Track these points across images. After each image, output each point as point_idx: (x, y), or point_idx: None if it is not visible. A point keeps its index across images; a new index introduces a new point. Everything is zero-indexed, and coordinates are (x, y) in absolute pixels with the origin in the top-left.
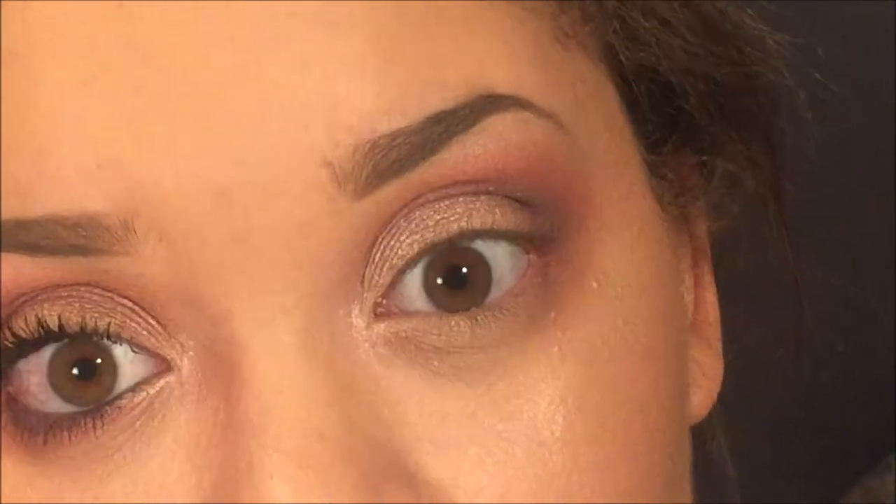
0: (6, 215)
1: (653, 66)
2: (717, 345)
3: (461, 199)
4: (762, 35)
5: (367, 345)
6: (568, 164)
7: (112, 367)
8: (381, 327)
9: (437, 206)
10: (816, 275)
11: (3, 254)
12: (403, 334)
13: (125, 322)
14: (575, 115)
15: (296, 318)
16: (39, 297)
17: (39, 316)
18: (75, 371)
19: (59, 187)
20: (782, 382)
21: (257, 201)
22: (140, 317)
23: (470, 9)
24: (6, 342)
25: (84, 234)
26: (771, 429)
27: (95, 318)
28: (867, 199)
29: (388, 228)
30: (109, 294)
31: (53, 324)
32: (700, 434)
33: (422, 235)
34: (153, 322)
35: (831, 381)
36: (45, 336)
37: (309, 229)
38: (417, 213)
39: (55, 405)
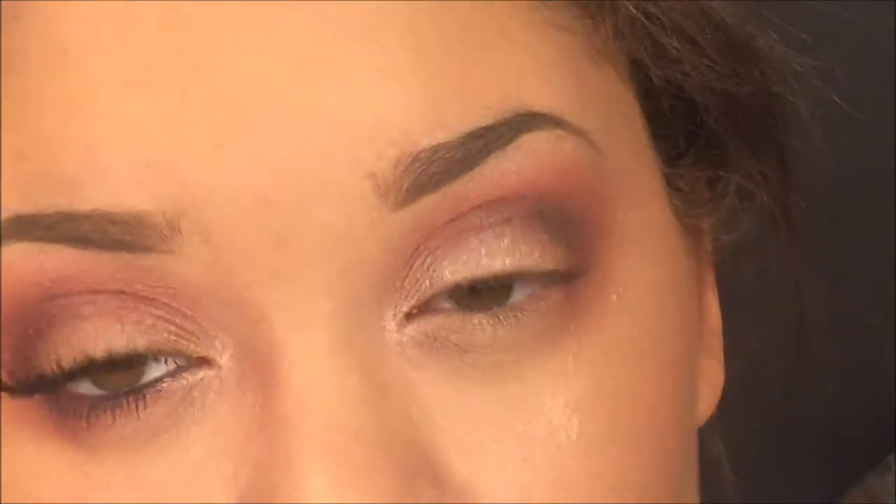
0: (54, 208)
1: (678, 83)
2: (720, 354)
3: (507, 231)
4: (785, 58)
5: (398, 347)
6: (596, 180)
7: (142, 358)
8: (410, 329)
9: (482, 236)
10: (817, 276)
11: (53, 245)
12: (431, 333)
13: (166, 338)
14: (604, 132)
15: (332, 322)
16: (82, 310)
17: (89, 352)
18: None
19: (109, 185)
20: (782, 383)
21: (299, 208)
22: (178, 325)
23: (507, 26)
24: (52, 370)
25: (132, 231)
26: (771, 429)
27: (141, 342)
28: (869, 198)
29: (428, 243)
30: (148, 307)
31: (100, 356)
32: (700, 436)
33: (464, 267)
34: (192, 327)
35: (831, 382)
36: (94, 368)
37: (349, 237)
38: (462, 240)
39: (86, 388)
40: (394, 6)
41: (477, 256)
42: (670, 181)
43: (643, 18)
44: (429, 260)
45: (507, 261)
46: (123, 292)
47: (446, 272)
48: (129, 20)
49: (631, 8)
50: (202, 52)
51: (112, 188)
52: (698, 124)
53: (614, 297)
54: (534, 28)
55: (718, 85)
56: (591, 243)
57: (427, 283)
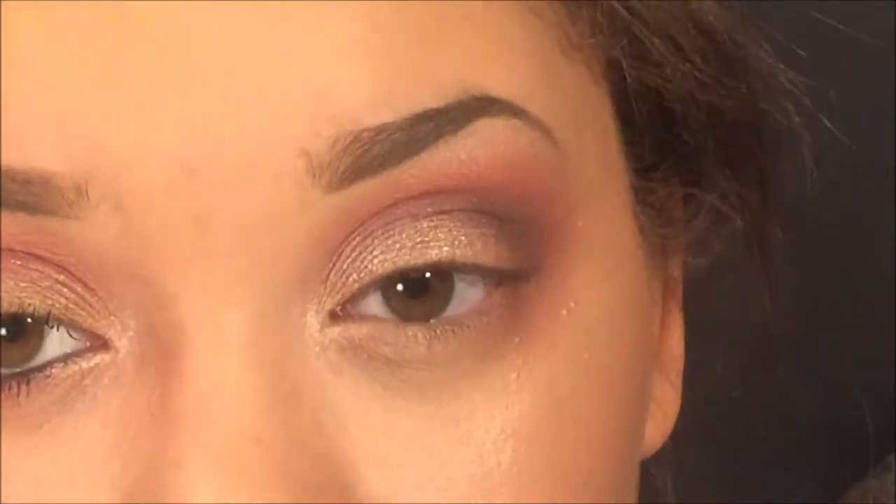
0: None
1: (656, 89)
2: (678, 381)
3: (445, 220)
4: (776, 72)
5: (318, 348)
6: (555, 182)
7: (40, 332)
8: (334, 331)
9: (418, 225)
10: (817, 276)
11: None
12: (357, 341)
13: (64, 304)
14: (569, 131)
15: (247, 312)
16: None
17: None
18: (2, 331)
19: (14, 140)
20: (782, 382)
21: (225, 184)
22: (79, 294)
23: (474, 9)
24: None
25: (34, 191)
26: (771, 429)
27: (34, 303)
28: (869, 200)
29: (359, 231)
30: (48, 268)
31: None
32: (702, 432)
33: (397, 255)
34: (93, 299)
35: (831, 381)
36: None
37: (276, 220)
38: (396, 227)
39: None
40: None
41: (410, 243)
42: (639, 195)
43: (624, 12)
44: (358, 250)
45: (445, 249)
46: (26, 253)
47: (375, 261)
48: None
49: (613, 2)
50: (133, 10)
51: (17, 144)
52: (675, 136)
53: (564, 312)
54: (503, 10)
55: (700, 95)
56: (542, 248)
57: (354, 275)
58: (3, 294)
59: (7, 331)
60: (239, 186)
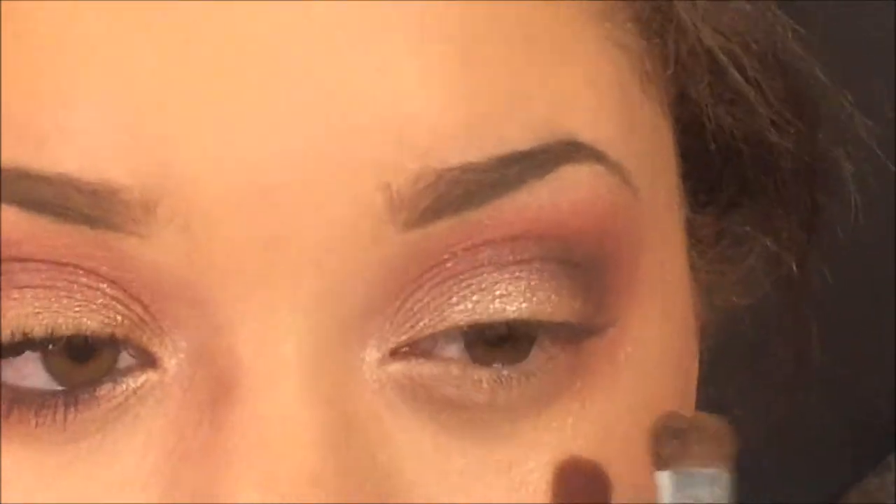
0: (14, 163)
1: (727, 127)
2: (692, 402)
3: (525, 273)
4: (855, 122)
5: (376, 385)
6: (630, 227)
7: (115, 346)
8: (395, 367)
9: (497, 276)
10: (818, 276)
11: (5, 204)
12: (419, 379)
13: (119, 321)
14: (644, 173)
15: (307, 345)
16: (19, 278)
17: (26, 330)
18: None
19: (81, 147)
20: (782, 382)
21: (299, 209)
22: (133, 311)
23: (563, 39)
24: None
25: (100, 204)
26: (770, 429)
27: (91, 325)
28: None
29: (436, 273)
30: (106, 283)
31: (42, 335)
32: None
33: (475, 306)
34: (146, 316)
35: (831, 381)
36: (32, 345)
37: (346, 251)
38: (476, 276)
39: (41, 380)
40: (447, 4)
41: (489, 296)
42: (691, 230)
43: (714, 49)
44: (432, 294)
45: (524, 306)
46: (78, 267)
47: (453, 309)
48: None
49: (701, 36)
50: (217, 17)
51: (84, 152)
52: (734, 173)
53: (623, 357)
54: (589, 43)
55: (772, 137)
56: (612, 299)
57: (427, 319)
58: (54, 312)
59: (72, 352)
60: (312, 213)
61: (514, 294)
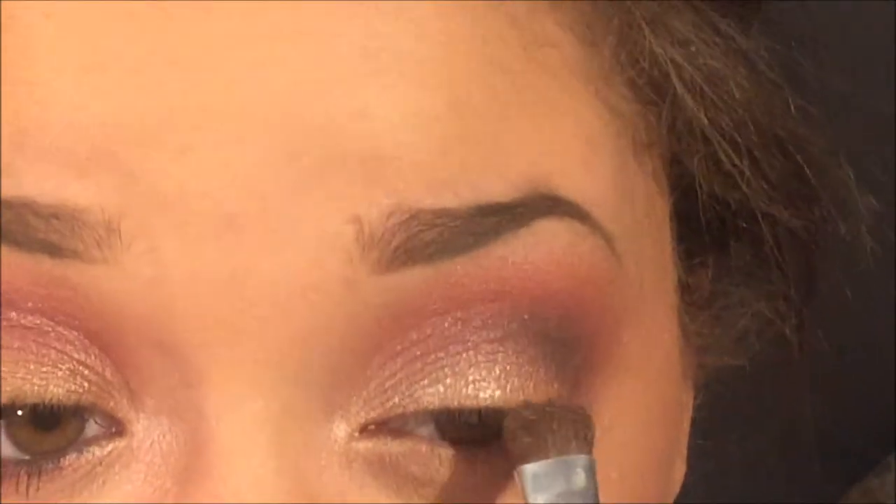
0: None
1: (723, 197)
2: (685, 450)
3: (499, 356)
4: (853, 196)
5: (343, 459)
6: (610, 296)
7: (81, 413)
8: (363, 444)
9: (472, 358)
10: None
11: None
12: (387, 458)
13: (86, 388)
14: (630, 240)
15: (273, 409)
16: None
17: None
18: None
19: (39, 170)
20: (782, 382)
21: (264, 242)
22: (100, 374)
23: (550, 93)
24: None
25: (59, 227)
26: (770, 429)
27: (57, 393)
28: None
29: (406, 346)
30: (68, 346)
31: (5, 403)
32: (702, 433)
33: (447, 391)
34: (114, 378)
35: (831, 381)
36: None
37: (316, 294)
38: (450, 358)
39: (5, 450)
40: (434, 48)
41: (462, 382)
42: (685, 292)
43: (705, 121)
44: (405, 371)
45: (497, 394)
46: (42, 313)
47: (424, 393)
48: (96, 2)
49: (695, 109)
50: (192, 40)
51: (43, 175)
52: (729, 238)
53: (599, 431)
54: (582, 101)
55: (770, 211)
56: (589, 378)
57: (397, 399)
58: (22, 381)
59: (37, 420)
60: (277, 246)
61: (488, 380)
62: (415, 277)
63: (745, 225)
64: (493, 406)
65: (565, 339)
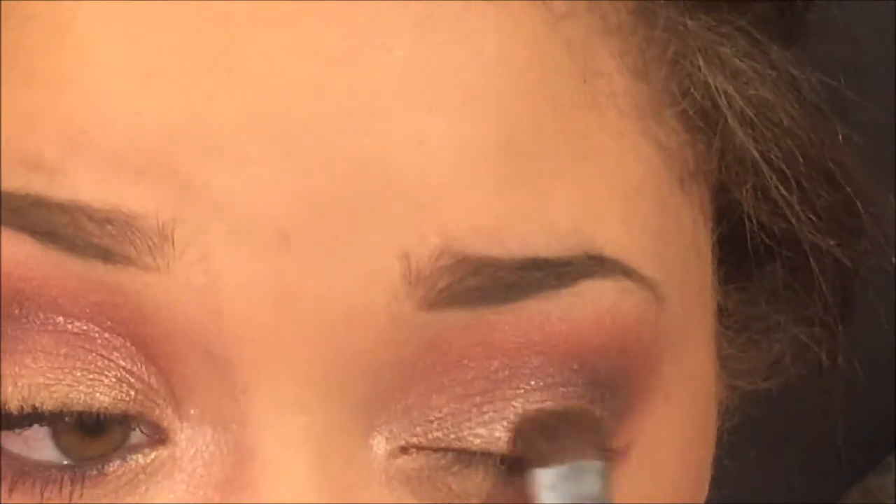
0: (26, 190)
1: (769, 227)
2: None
3: (549, 404)
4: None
5: (383, 477)
6: (653, 339)
7: (126, 421)
8: (403, 461)
9: (519, 406)
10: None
11: (18, 232)
12: (426, 472)
13: (132, 396)
14: (674, 280)
15: (316, 424)
16: (39, 341)
17: (36, 404)
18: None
19: (96, 175)
20: (782, 382)
21: (316, 262)
22: (146, 383)
23: (598, 141)
24: None
25: (112, 232)
26: (770, 429)
27: (104, 401)
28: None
29: (451, 382)
30: (115, 353)
31: (52, 409)
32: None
33: (490, 436)
34: (160, 386)
35: (831, 381)
36: (41, 419)
37: (360, 321)
38: (497, 403)
39: (49, 454)
40: (489, 86)
41: (507, 431)
42: (722, 316)
43: (756, 153)
44: (451, 408)
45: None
46: (91, 319)
47: (471, 434)
48: (161, 6)
49: (745, 139)
50: (241, 54)
51: (98, 179)
52: (771, 265)
53: (635, 460)
54: (629, 141)
55: (814, 240)
56: (631, 415)
57: (440, 434)
58: (69, 387)
59: (82, 426)
60: (329, 268)
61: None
62: (457, 318)
63: (790, 254)
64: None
65: (610, 382)
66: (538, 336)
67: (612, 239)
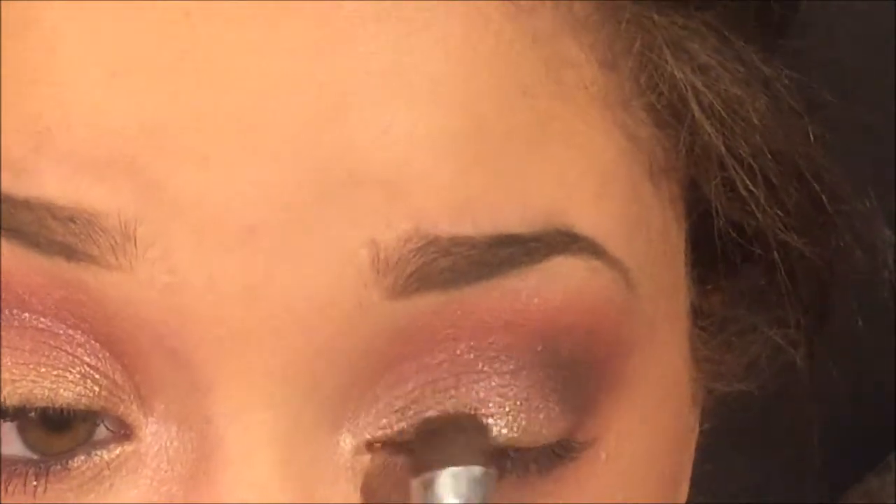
0: None
1: (739, 223)
2: (689, 475)
3: (511, 389)
4: (875, 232)
5: (350, 473)
6: (622, 325)
7: (92, 416)
8: (368, 458)
9: (483, 393)
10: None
11: None
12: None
13: (96, 392)
14: (645, 267)
15: (281, 420)
16: (9, 340)
17: (0, 400)
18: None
19: (60, 172)
20: (782, 382)
21: (283, 256)
22: (111, 379)
23: (569, 124)
24: None
25: (76, 230)
26: (770, 429)
27: (67, 396)
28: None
29: (416, 369)
30: (79, 349)
31: (15, 405)
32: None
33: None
34: (125, 383)
35: (831, 381)
36: (4, 414)
37: (330, 312)
38: (460, 389)
39: (15, 448)
40: (458, 73)
41: (476, 423)
42: (697, 316)
43: (723, 149)
44: (412, 397)
45: (504, 431)
46: (56, 315)
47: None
48: (125, 4)
49: (713, 134)
50: (205, 52)
51: (62, 177)
52: (744, 264)
53: (604, 456)
54: (598, 128)
55: (785, 238)
56: (597, 402)
57: (404, 424)
58: (32, 383)
59: (48, 421)
60: (294, 262)
61: (498, 416)
62: (428, 303)
63: (759, 252)
64: (500, 445)
65: (577, 367)
66: (508, 314)
67: (584, 216)
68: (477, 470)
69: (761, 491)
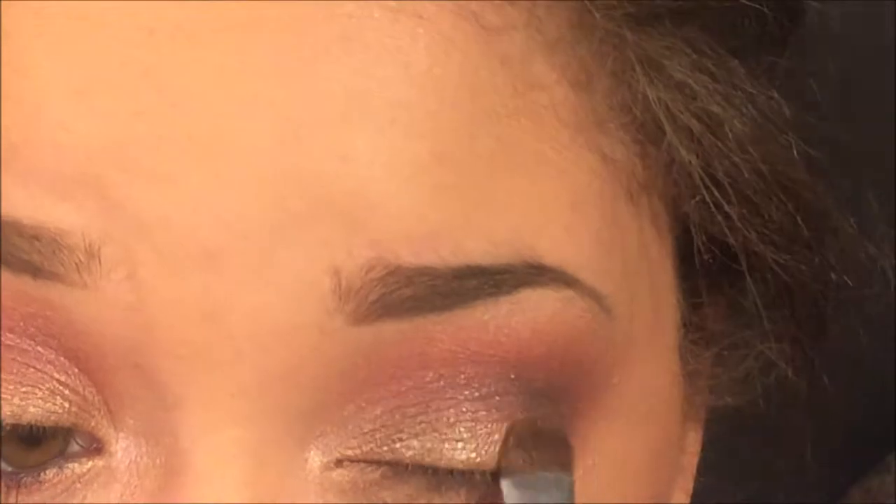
0: None
1: (723, 240)
2: (689, 486)
3: (481, 414)
4: (859, 246)
5: (318, 489)
6: (599, 350)
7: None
8: (338, 474)
9: (454, 416)
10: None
11: None
12: (361, 485)
13: (66, 408)
14: (622, 291)
15: (249, 437)
16: None
17: None
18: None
19: (25, 189)
20: (782, 382)
21: (245, 280)
22: (81, 395)
23: (540, 151)
24: None
25: (41, 248)
26: (770, 429)
27: (36, 413)
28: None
29: (385, 394)
30: (48, 366)
31: None
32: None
33: (423, 447)
34: (94, 398)
35: (831, 381)
36: None
37: (291, 337)
38: (431, 414)
39: None
40: (421, 98)
41: (441, 442)
42: (688, 330)
43: (698, 168)
44: (383, 420)
45: (472, 456)
46: (24, 332)
47: (402, 446)
48: (90, 22)
49: (687, 154)
50: (170, 73)
51: (28, 195)
52: (732, 280)
53: (581, 471)
54: (570, 153)
55: (771, 254)
56: (573, 422)
57: (373, 447)
58: (3, 403)
59: (23, 436)
60: (256, 287)
61: (467, 441)
62: (392, 330)
63: (743, 268)
64: (469, 469)
65: (551, 392)
66: (475, 345)
67: (554, 247)
68: (567, 478)
69: (761, 491)
